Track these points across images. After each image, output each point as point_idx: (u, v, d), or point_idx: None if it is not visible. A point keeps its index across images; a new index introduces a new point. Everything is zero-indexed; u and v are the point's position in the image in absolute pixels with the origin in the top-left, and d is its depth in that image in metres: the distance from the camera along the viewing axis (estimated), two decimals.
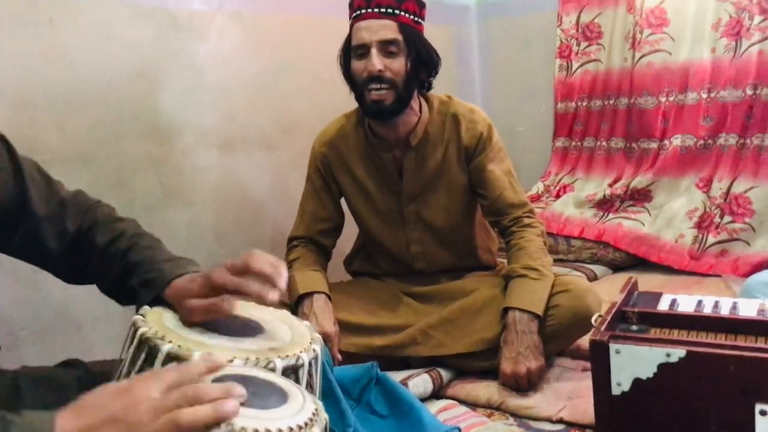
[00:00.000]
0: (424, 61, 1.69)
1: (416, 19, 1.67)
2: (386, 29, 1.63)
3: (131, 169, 1.91)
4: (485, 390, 1.59)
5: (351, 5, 1.70)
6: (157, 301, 0.98)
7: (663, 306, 1.24)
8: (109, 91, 1.85)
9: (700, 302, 1.24)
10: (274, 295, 0.90)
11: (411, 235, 1.84)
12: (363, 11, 1.65)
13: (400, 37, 1.63)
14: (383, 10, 1.63)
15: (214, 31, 2.10)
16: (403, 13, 1.64)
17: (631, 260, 2.53)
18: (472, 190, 1.81)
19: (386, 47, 1.63)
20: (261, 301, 0.91)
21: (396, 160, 1.80)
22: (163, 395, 0.65)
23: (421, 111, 1.77)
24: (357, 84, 1.69)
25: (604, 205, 2.68)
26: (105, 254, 1.05)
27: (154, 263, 1.01)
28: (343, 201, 1.92)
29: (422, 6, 1.69)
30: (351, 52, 1.69)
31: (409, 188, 1.80)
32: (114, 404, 0.65)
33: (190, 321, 0.93)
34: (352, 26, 1.69)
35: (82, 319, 1.82)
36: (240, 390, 0.67)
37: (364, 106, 1.71)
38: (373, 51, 1.63)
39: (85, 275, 1.09)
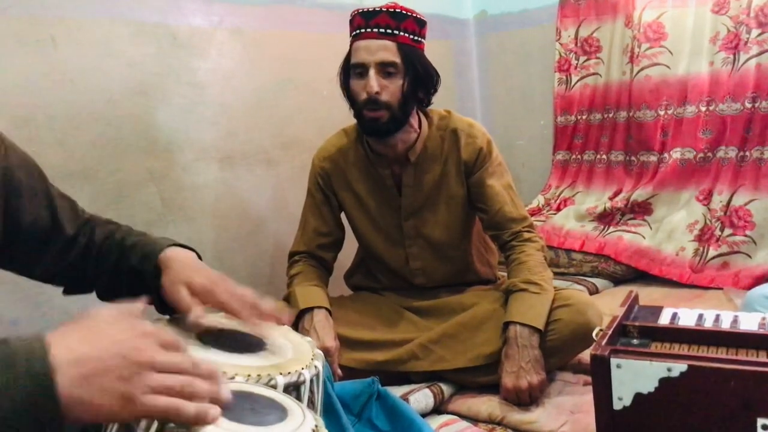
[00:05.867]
0: (422, 80, 1.70)
1: (416, 38, 1.68)
2: (385, 51, 1.63)
3: (132, 185, 1.92)
4: (487, 405, 1.58)
5: (351, 23, 1.71)
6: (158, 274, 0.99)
7: (664, 320, 1.24)
8: (109, 108, 1.86)
9: (701, 316, 1.24)
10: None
11: (410, 251, 1.84)
12: (362, 30, 1.66)
13: (398, 59, 1.64)
14: (382, 30, 1.64)
15: (215, 47, 2.12)
16: (402, 33, 1.64)
17: (632, 273, 2.52)
18: (471, 205, 1.82)
19: (384, 68, 1.64)
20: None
21: (395, 175, 1.80)
22: (161, 356, 0.64)
23: (420, 127, 1.77)
24: (355, 103, 1.70)
25: (605, 218, 2.68)
26: (102, 248, 1.08)
27: (149, 240, 1.06)
28: (343, 215, 1.93)
29: (422, 24, 1.70)
30: (350, 70, 1.70)
31: (408, 204, 1.81)
32: (120, 337, 0.63)
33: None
34: (351, 44, 1.70)
35: None
36: (226, 394, 0.66)
37: (361, 124, 1.72)
38: (371, 72, 1.63)
39: (85, 277, 1.10)
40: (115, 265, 1.06)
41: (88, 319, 0.65)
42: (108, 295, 1.11)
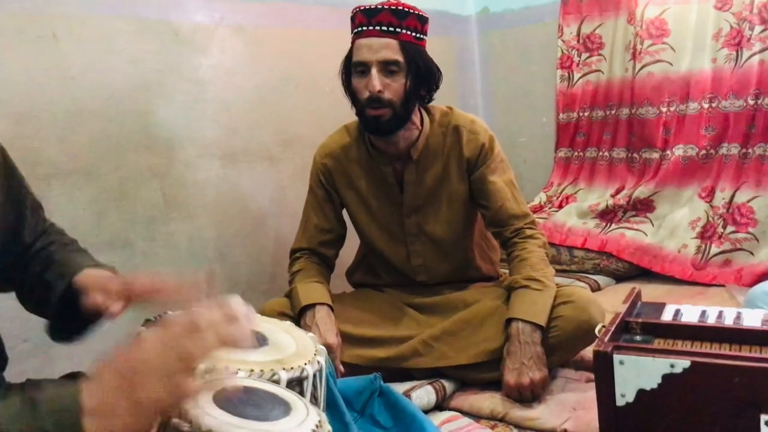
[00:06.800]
0: (424, 78, 1.69)
1: (418, 35, 1.67)
2: (387, 49, 1.63)
3: (134, 182, 1.92)
4: (489, 401, 1.58)
5: (353, 21, 1.70)
6: (69, 293, 1.00)
7: (666, 316, 1.24)
8: (111, 104, 1.86)
9: (703, 312, 1.23)
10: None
11: (412, 248, 1.84)
12: (364, 28, 1.65)
13: (400, 57, 1.63)
14: (384, 28, 1.63)
15: (216, 44, 2.11)
16: (404, 31, 1.64)
17: (635, 270, 2.52)
18: (472, 201, 1.81)
19: (386, 67, 1.63)
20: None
21: (397, 173, 1.80)
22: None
23: (422, 124, 1.77)
24: (357, 101, 1.70)
25: (607, 215, 2.68)
26: (35, 256, 1.09)
27: (72, 259, 1.06)
28: (345, 213, 1.92)
29: (424, 21, 1.69)
30: (352, 68, 1.70)
31: (410, 201, 1.81)
32: (120, 365, 0.64)
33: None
34: (353, 42, 1.69)
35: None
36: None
37: (364, 122, 1.72)
38: (374, 71, 1.63)
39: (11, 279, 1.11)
40: (37, 275, 1.06)
41: (131, 351, 0.65)
42: (23, 301, 1.12)
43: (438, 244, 1.84)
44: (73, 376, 1.08)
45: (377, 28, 1.63)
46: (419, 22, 1.67)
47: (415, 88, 1.68)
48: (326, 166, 1.85)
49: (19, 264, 1.08)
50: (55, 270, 1.05)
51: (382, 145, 1.77)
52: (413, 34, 1.66)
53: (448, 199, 1.80)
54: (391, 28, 1.63)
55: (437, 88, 1.76)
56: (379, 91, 1.63)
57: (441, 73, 1.74)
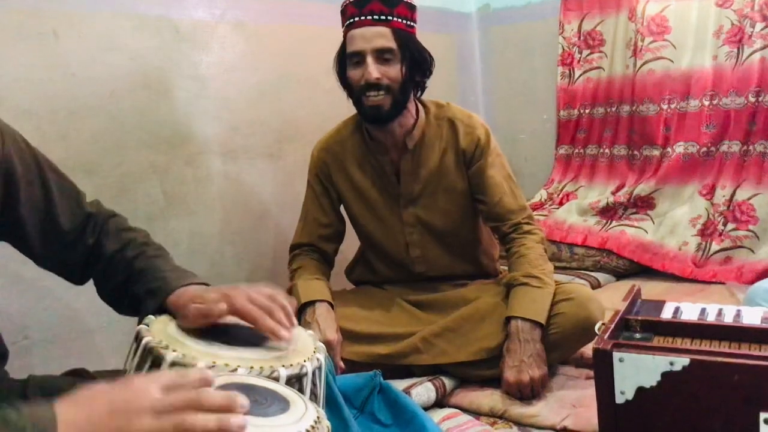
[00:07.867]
0: (418, 64, 1.71)
1: (408, 23, 1.68)
2: (381, 37, 1.64)
3: (134, 179, 1.92)
4: (488, 398, 1.58)
5: (344, 13, 1.71)
6: (161, 310, 0.98)
7: (666, 314, 1.24)
8: (112, 101, 1.86)
9: (703, 310, 1.23)
10: (286, 334, 0.94)
11: (410, 238, 1.84)
12: (356, 19, 1.66)
13: (394, 44, 1.65)
14: (376, 17, 1.64)
15: (217, 41, 2.11)
16: (395, 19, 1.65)
17: (635, 268, 2.52)
18: (471, 196, 1.81)
19: (381, 55, 1.65)
20: (274, 335, 0.94)
21: (393, 162, 1.80)
22: (163, 395, 0.64)
23: (417, 114, 1.78)
24: (354, 90, 1.70)
25: (608, 212, 2.68)
26: (112, 261, 1.07)
27: (159, 272, 1.03)
28: (343, 209, 1.93)
29: (413, 9, 1.71)
30: (346, 59, 1.70)
31: (407, 190, 1.81)
32: (114, 396, 0.64)
33: (186, 325, 0.94)
34: (345, 34, 1.71)
35: (88, 327, 1.82)
36: (243, 400, 0.66)
37: (362, 111, 1.73)
38: (369, 59, 1.64)
39: (89, 276, 1.12)
40: (122, 284, 1.05)
41: (88, 390, 0.66)
42: (110, 305, 1.11)
43: (436, 234, 1.84)
44: (76, 373, 1.08)
45: (369, 17, 1.65)
46: (409, 10, 1.69)
47: (411, 74, 1.69)
48: (323, 160, 1.86)
49: (64, 251, 1.07)
50: (144, 284, 1.01)
51: (379, 135, 1.77)
52: (404, 21, 1.67)
53: (445, 190, 1.80)
54: (383, 17, 1.64)
55: (430, 74, 1.77)
56: (377, 79, 1.64)
57: (433, 59, 1.75)
